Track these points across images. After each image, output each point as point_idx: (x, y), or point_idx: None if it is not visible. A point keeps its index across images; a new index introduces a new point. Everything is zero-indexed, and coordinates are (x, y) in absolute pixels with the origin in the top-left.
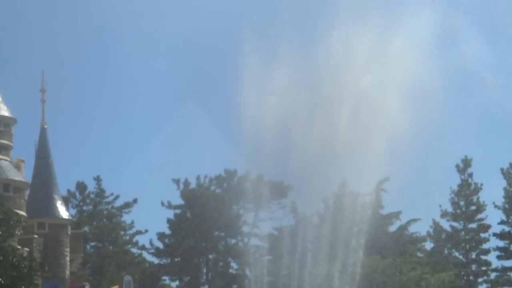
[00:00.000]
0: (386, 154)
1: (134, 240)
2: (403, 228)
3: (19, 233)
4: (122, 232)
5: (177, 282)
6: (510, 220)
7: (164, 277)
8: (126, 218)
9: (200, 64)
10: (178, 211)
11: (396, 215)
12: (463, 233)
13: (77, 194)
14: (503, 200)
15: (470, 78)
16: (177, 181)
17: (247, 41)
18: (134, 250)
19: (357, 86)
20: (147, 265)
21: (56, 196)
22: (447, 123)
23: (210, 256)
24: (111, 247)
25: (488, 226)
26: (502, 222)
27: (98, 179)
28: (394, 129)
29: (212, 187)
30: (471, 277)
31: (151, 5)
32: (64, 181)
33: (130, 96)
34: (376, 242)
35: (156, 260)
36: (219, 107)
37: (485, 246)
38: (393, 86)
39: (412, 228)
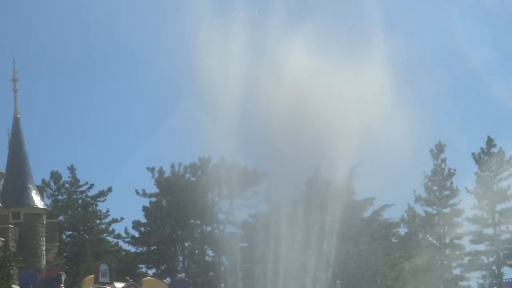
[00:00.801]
0: (359, 139)
1: (110, 228)
2: (377, 213)
3: None
4: (97, 221)
5: (153, 270)
6: (482, 205)
7: (140, 265)
8: (101, 207)
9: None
10: (153, 199)
11: (369, 200)
12: (436, 217)
13: (52, 183)
14: (475, 185)
15: (447, 59)
16: (151, 170)
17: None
18: (110, 238)
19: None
20: (124, 253)
21: (30, 186)
22: (422, 107)
23: (186, 244)
24: (86, 236)
25: (461, 211)
26: (474, 207)
27: (72, 169)
28: (368, 113)
29: (187, 175)
30: (445, 261)
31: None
32: (39, 171)
33: (102, 83)
34: (350, 228)
35: (132, 249)
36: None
37: (458, 230)
38: (369, 67)
39: (386, 214)
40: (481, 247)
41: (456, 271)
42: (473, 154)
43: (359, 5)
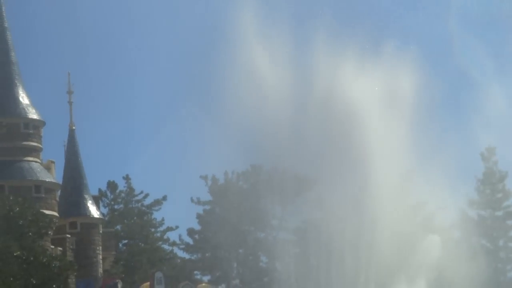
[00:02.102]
0: (411, 145)
1: (165, 237)
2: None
3: (51, 233)
4: (152, 229)
5: (208, 277)
6: None
7: (195, 272)
8: (156, 215)
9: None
10: (207, 207)
11: (422, 205)
12: (489, 221)
13: (108, 193)
14: None
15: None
16: (205, 178)
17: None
18: (165, 246)
19: None
20: (178, 260)
21: (86, 196)
22: (469, 114)
23: (240, 251)
24: (142, 244)
25: None
26: None
27: (127, 178)
28: (415, 119)
29: (240, 183)
30: (499, 265)
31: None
32: (95, 181)
33: (156, 92)
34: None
35: (187, 256)
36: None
37: None
38: None
39: (439, 218)
40: None
41: (511, 274)
42: None
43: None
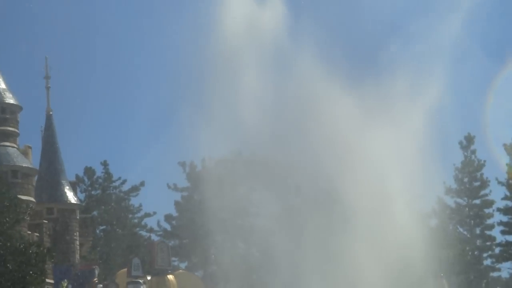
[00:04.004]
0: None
1: (143, 223)
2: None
3: (28, 219)
4: (130, 216)
5: (186, 263)
6: None
7: (173, 259)
8: (134, 201)
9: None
10: (185, 193)
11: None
12: (467, 209)
13: (86, 179)
14: (505, 176)
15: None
16: (182, 164)
17: None
18: (142, 232)
19: None
20: None
21: (63, 182)
22: (452, 99)
23: (217, 237)
24: (119, 231)
25: (492, 202)
26: (505, 198)
27: (105, 164)
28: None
29: (218, 169)
30: (476, 252)
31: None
32: (72, 167)
33: (136, 80)
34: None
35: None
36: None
37: (489, 221)
38: None
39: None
40: None
41: (487, 262)
42: (504, 145)
43: None
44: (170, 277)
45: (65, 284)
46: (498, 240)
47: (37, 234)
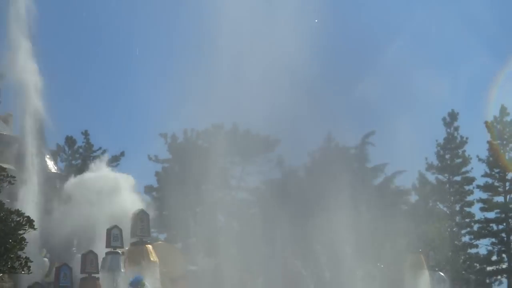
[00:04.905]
0: (372, 107)
1: None
2: (388, 180)
3: (7, 187)
4: None
5: (165, 235)
6: (493, 173)
7: (152, 230)
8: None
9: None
10: (166, 165)
11: (381, 168)
12: (447, 185)
13: (66, 148)
14: (487, 153)
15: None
16: (164, 135)
17: None
18: None
19: None
20: None
21: (44, 150)
22: (434, 75)
23: (198, 209)
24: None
25: (472, 179)
26: (485, 175)
27: (86, 134)
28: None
29: (200, 141)
30: (454, 229)
31: None
32: (53, 136)
33: (118, 50)
34: (361, 195)
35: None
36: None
37: (469, 198)
38: None
39: (397, 181)
40: (491, 214)
41: (466, 239)
42: (486, 122)
43: None
44: (149, 247)
45: (44, 253)
46: (477, 217)
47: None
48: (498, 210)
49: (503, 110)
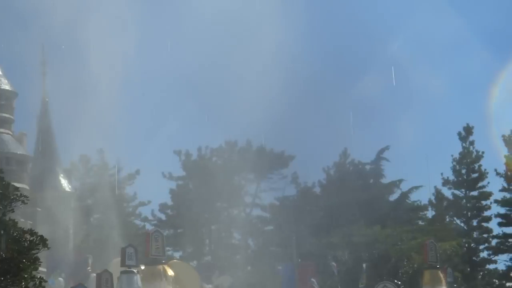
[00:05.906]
0: (388, 122)
1: (137, 212)
2: (404, 196)
3: (21, 207)
4: (124, 204)
5: (180, 253)
6: (511, 187)
7: (167, 248)
8: (129, 190)
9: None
10: (180, 182)
11: (397, 183)
12: (464, 200)
13: (80, 166)
14: (504, 167)
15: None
16: (178, 153)
17: None
18: (137, 222)
19: None
20: None
21: (58, 169)
22: (449, 90)
23: (213, 227)
24: (114, 219)
25: (489, 194)
26: (503, 189)
27: (100, 152)
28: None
29: (214, 158)
30: (472, 245)
31: None
32: (67, 154)
33: (134, 67)
34: (377, 211)
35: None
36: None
37: (486, 213)
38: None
39: (413, 197)
40: (510, 229)
41: (484, 254)
42: (503, 136)
43: None
44: (165, 266)
45: (59, 273)
46: (495, 232)
47: (31, 222)
48: None
49: None
